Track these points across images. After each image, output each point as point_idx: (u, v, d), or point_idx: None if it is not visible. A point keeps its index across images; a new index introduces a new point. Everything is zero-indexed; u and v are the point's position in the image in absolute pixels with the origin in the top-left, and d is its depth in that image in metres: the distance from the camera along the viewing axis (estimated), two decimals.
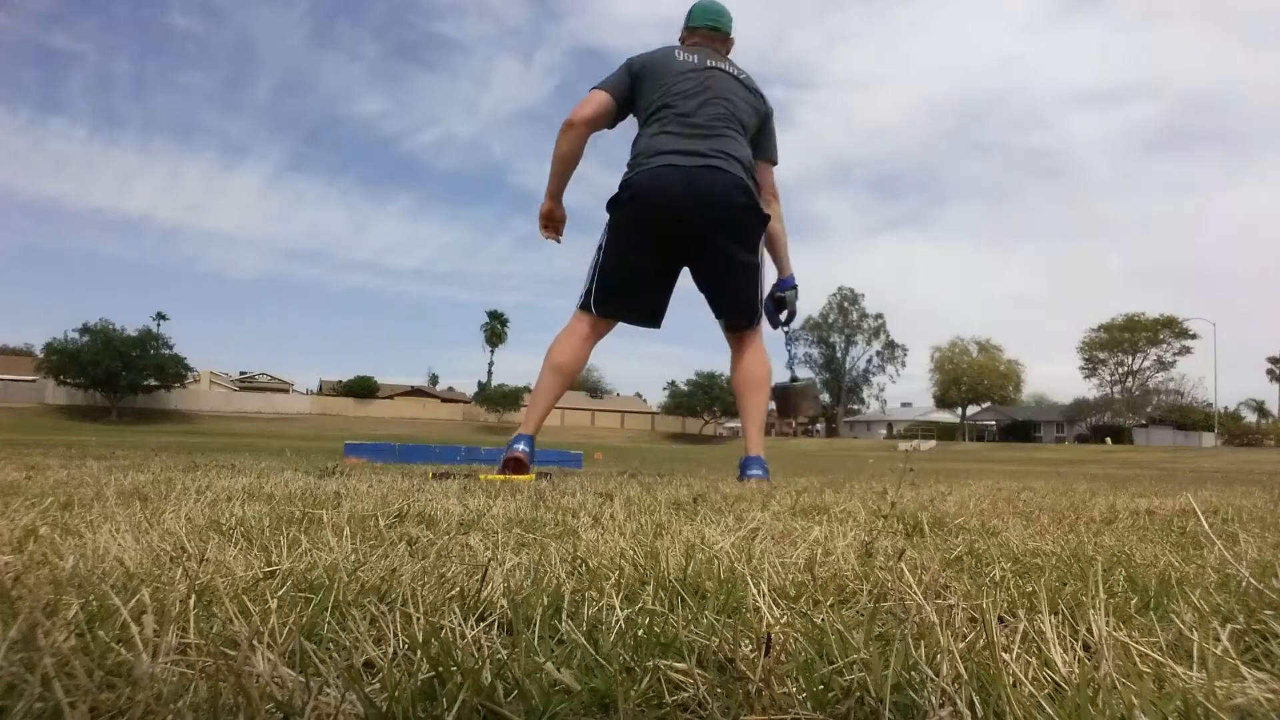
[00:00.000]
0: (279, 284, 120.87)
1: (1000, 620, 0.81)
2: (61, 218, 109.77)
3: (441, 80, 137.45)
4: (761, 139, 3.55)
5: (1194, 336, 66.43)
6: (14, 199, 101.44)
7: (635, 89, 3.47)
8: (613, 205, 3.43)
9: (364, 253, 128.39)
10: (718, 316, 3.61)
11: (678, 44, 3.67)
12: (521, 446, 3.34)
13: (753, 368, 3.55)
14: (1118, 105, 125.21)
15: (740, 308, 3.53)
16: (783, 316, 3.78)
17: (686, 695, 0.60)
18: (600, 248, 3.48)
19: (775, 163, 3.64)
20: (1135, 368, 69.97)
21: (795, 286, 3.74)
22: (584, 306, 3.48)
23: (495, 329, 71.12)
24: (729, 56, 3.65)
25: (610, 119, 3.49)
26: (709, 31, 3.66)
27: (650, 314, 3.56)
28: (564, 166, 3.53)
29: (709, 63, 3.49)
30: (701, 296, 3.60)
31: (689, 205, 3.26)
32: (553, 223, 3.65)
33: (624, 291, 3.47)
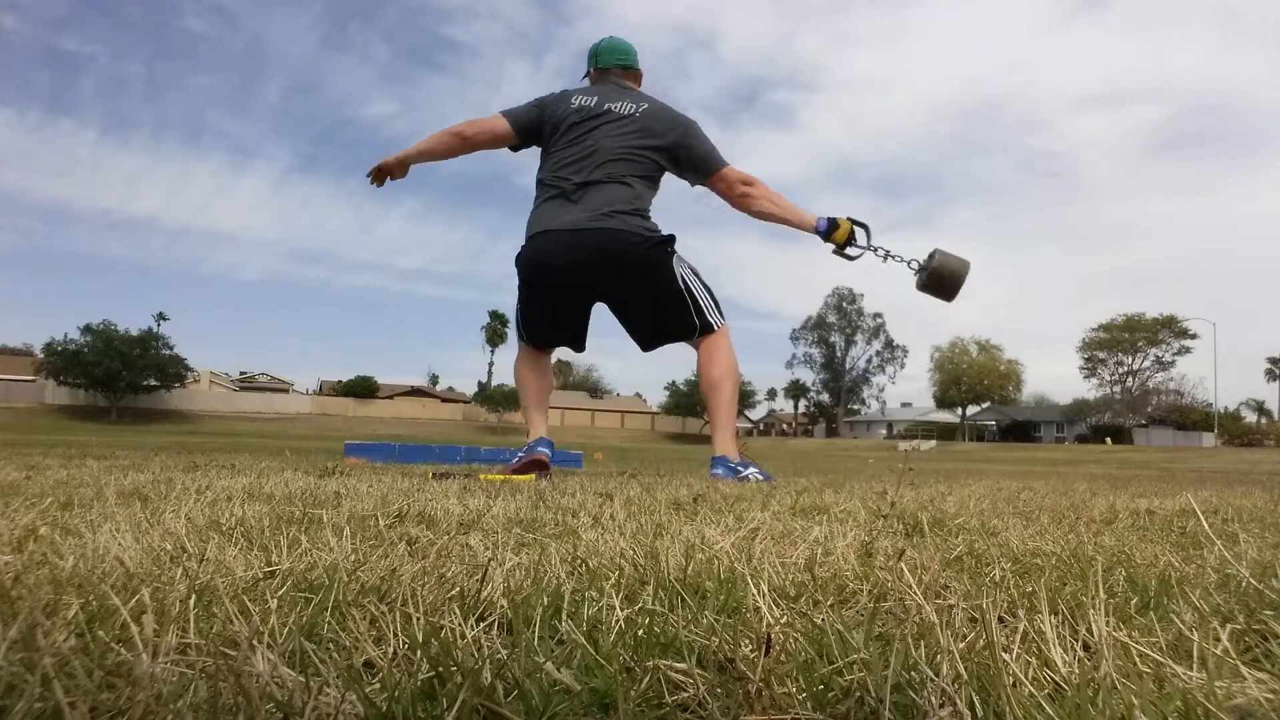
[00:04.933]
0: (283, 285, 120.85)
1: (1000, 620, 0.81)
2: (69, 219, 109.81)
3: (451, 83, 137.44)
4: (694, 160, 3.60)
5: (1194, 336, 66.48)
6: (22, 200, 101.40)
7: (539, 129, 3.63)
8: (516, 263, 3.65)
9: (368, 254, 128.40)
10: (656, 340, 3.74)
11: (580, 86, 3.76)
12: (545, 450, 3.52)
13: (708, 369, 3.62)
14: (1121, 107, 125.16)
15: (680, 330, 3.64)
16: (853, 252, 3.70)
17: (686, 695, 0.60)
18: (518, 292, 3.71)
19: (721, 168, 3.64)
20: (1135, 368, 70.00)
21: (831, 220, 3.65)
22: (520, 338, 3.82)
23: (496, 329, 71.04)
24: (636, 88, 3.76)
25: (508, 144, 3.69)
26: (620, 70, 3.78)
27: (573, 340, 3.83)
28: (428, 155, 3.77)
29: (604, 106, 3.56)
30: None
31: (578, 269, 3.48)
32: (382, 174, 3.77)
33: (544, 329, 3.77)
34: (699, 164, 3.61)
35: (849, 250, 3.69)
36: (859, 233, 3.68)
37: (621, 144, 3.49)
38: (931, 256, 3.66)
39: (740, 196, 3.65)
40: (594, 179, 3.43)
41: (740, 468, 3.47)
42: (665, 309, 3.56)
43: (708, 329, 3.59)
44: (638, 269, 3.47)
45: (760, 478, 3.35)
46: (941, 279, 3.65)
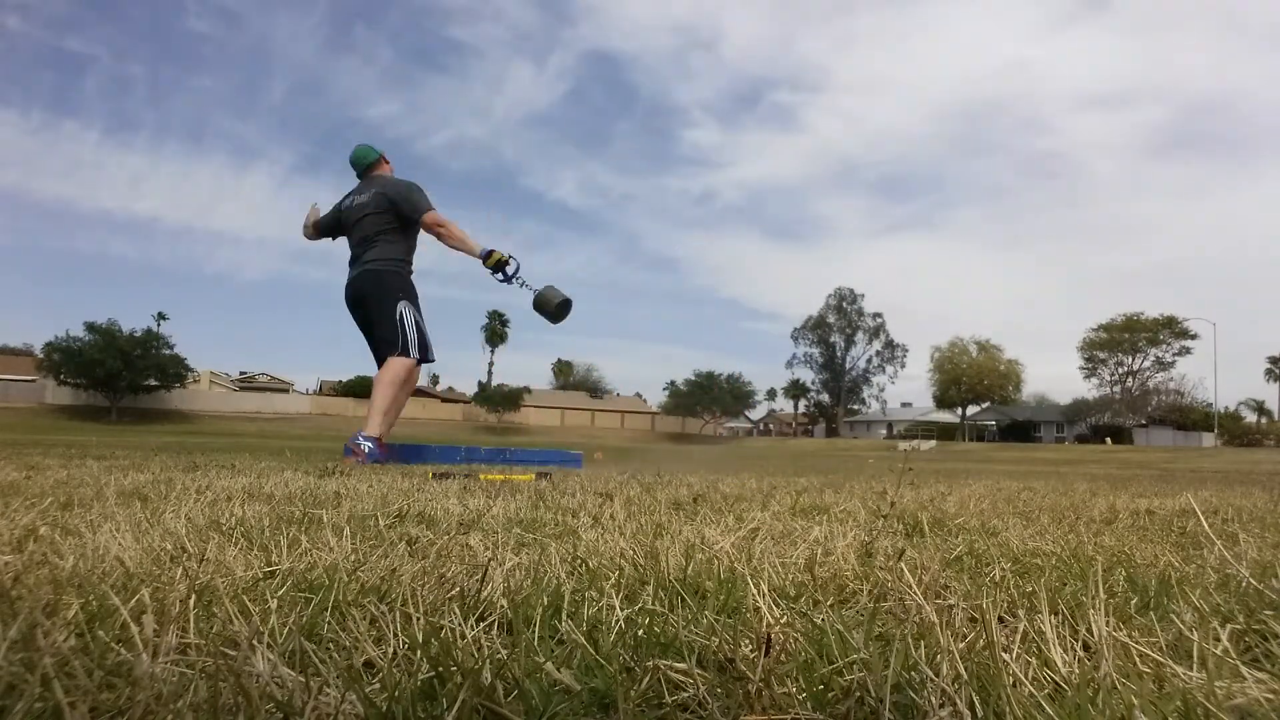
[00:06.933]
0: (285, 285, 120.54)
1: (1000, 620, 0.81)
2: (71, 219, 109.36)
3: (454, 83, 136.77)
4: (403, 212, 5.38)
5: (1194, 336, 66.44)
6: (24, 200, 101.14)
7: (337, 225, 5.69)
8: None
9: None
10: (378, 351, 5.40)
11: (353, 189, 5.71)
12: (369, 444, 5.03)
13: (382, 373, 5.27)
14: (1122, 109, 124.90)
15: (388, 345, 5.27)
16: (499, 278, 5.34)
17: (686, 695, 0.60)
18: (417, 310, 5.41)
19: (422, 212, 5.38)
20: (1135, 368, 70.00)
21: (490, 252, 5.36)
22: (430, 359, 5.48)
23: (495, 329, 70.98)
24: (381, 175, 5.68)
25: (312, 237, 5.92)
26: (369, 169, 5.69)
27: (376, 353, 5.60)
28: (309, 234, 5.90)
29: (354, 200, 5.53)
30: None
31: (355, 301, 5.48)
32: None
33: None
34: (409, 213, 5.38)
35: (504, 272, 5.31)
36: (513, 263, 5.33)
37: (365, 217, 5.39)
38: (544, 289, 5.37)
39: (435, 233, 5.40)
40: (357, 246, 5.44)
41: (360, 439, 5.07)
42: (388, 330, 5.23)
43: (405, 352, 5.24)
44: (376, 300, 5.31)
45: (367, 449, 5.00)
46: (543, 303, 5.32)
